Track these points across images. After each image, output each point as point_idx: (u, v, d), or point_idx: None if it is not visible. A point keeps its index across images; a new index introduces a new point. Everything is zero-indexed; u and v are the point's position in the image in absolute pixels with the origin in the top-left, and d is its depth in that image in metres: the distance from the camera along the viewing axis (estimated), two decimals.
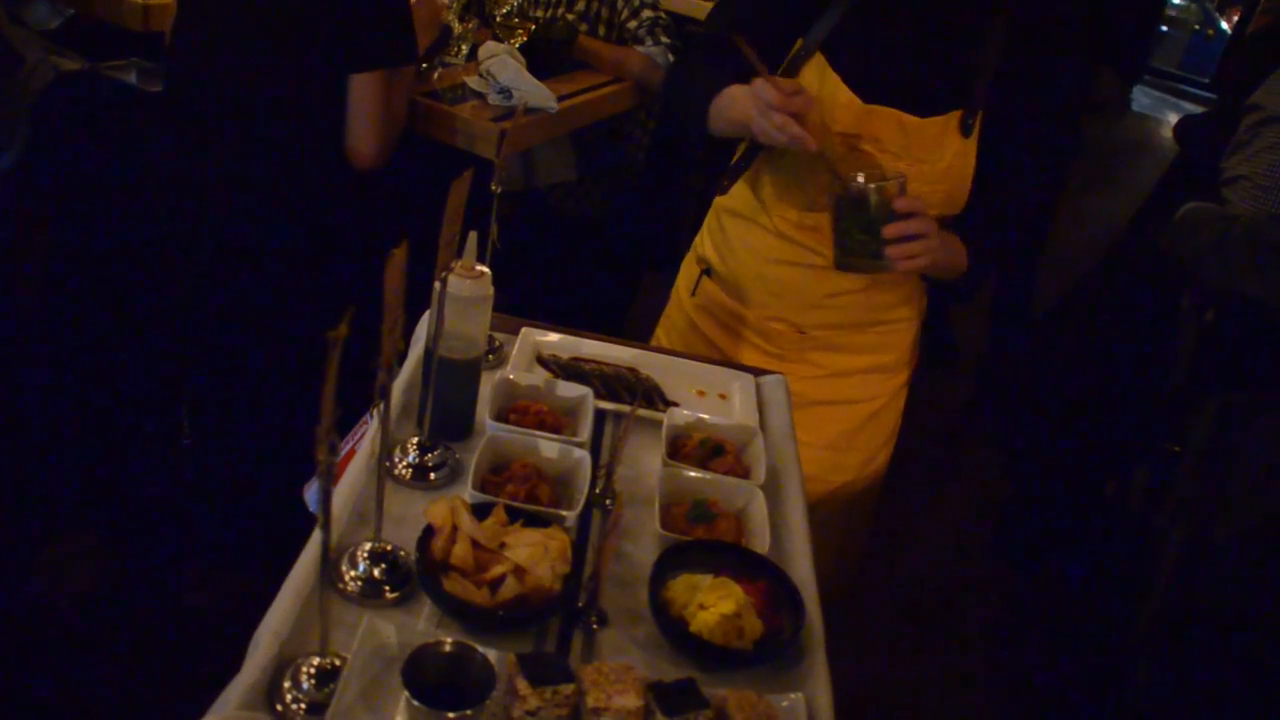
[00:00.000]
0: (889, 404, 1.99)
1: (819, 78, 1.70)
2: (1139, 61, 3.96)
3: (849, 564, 2.13)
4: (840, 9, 1.71)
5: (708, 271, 1.98)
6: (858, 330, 1.89)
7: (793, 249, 1.82)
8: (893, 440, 2.06)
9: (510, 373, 1.51)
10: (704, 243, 2.01)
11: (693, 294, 2.01)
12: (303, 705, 0.99)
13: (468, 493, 1.25)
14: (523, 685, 0.99)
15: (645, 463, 1.47)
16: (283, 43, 2.10)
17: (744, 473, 1.44)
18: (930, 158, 1.69)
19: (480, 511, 1.18)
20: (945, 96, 1.67)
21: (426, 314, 1.56)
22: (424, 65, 2.64)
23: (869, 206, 1.57)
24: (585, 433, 1.41)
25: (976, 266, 1.77)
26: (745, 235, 1.88)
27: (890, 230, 1.56)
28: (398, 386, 1.46)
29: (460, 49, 2.79)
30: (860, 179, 1.57)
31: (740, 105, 1.63)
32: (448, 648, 1.01)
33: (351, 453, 1.50)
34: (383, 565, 1.16)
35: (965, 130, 1.67)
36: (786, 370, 1.87)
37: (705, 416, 1.53)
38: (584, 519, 1.32)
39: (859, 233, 1.59)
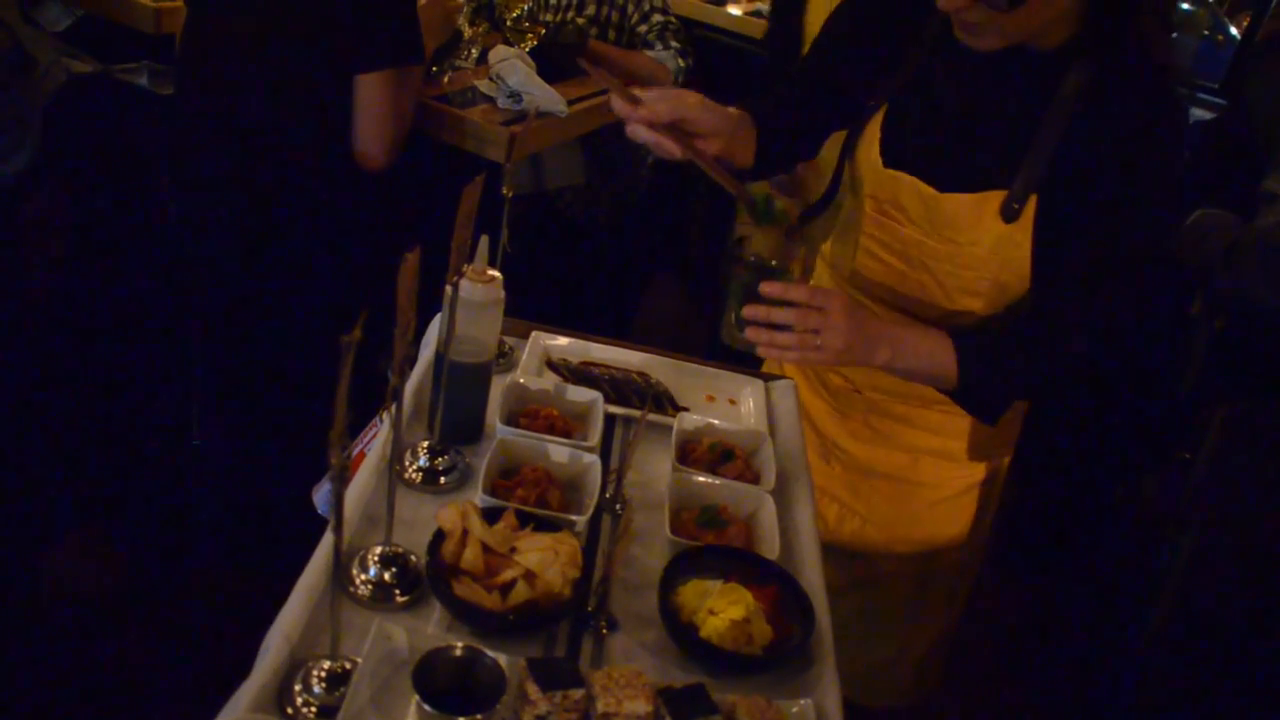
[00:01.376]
0: (958, 498, 1.79)
1: (874, 129, 1.62)
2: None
3: (906, 676, 1.94)
4: (908, 68, 1.58)
5: None
6: (919, 405, 1.72)
7: None
8: (965, 540, 1.83)
9: (520, 377, 1.51)
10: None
11: None
12: (313, 708, 1.00)
13: (478, 497, 1.25)
14: (533, 690, 0.99)
15: (655, 468, 1.47)
16: (289, 43, 2.10)
17: (753, 478, 1.44)
18: (964, 239, 1.52)
19: (490, 516, 1.18)
20: (977, 174, 1.50)
21: (437, 318, 1.56)
22: (434, 69, 2.65)
23: (741, 275, 1.43)
24: (595, 437, 1.41)
25: (978, 379, 1.50)
26: (821, 278, 1.80)
27: (748, 311, 1.40)
28: (408, 390, 1.46)
29: (470, 53, 2.79)
30: (740, 242, 1.44)
31: None
32: (458, 652, 1.01)
33: (361, 455, 1.50)
34: (393, 569, 1.16)
35: (1008, 215, 1.47)
36: (846, 428, 1.79)
37: (715, 421, 1.52)
38: (594, 524, 1.32)
39: (735, 302, 1.44)
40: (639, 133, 1.45)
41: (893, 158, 1.58)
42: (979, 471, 1.79)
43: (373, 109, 2.14)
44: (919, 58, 1.58)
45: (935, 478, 1.78)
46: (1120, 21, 1.39)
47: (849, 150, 1.68)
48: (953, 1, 1.36)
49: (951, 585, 1.89)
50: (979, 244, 1.51)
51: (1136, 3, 1.39)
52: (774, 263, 1.43)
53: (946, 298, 1.57)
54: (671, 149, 1.46)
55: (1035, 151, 1.45)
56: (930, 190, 1.53)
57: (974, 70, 1.50)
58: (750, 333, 1.41)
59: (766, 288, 1.39)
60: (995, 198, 1.48)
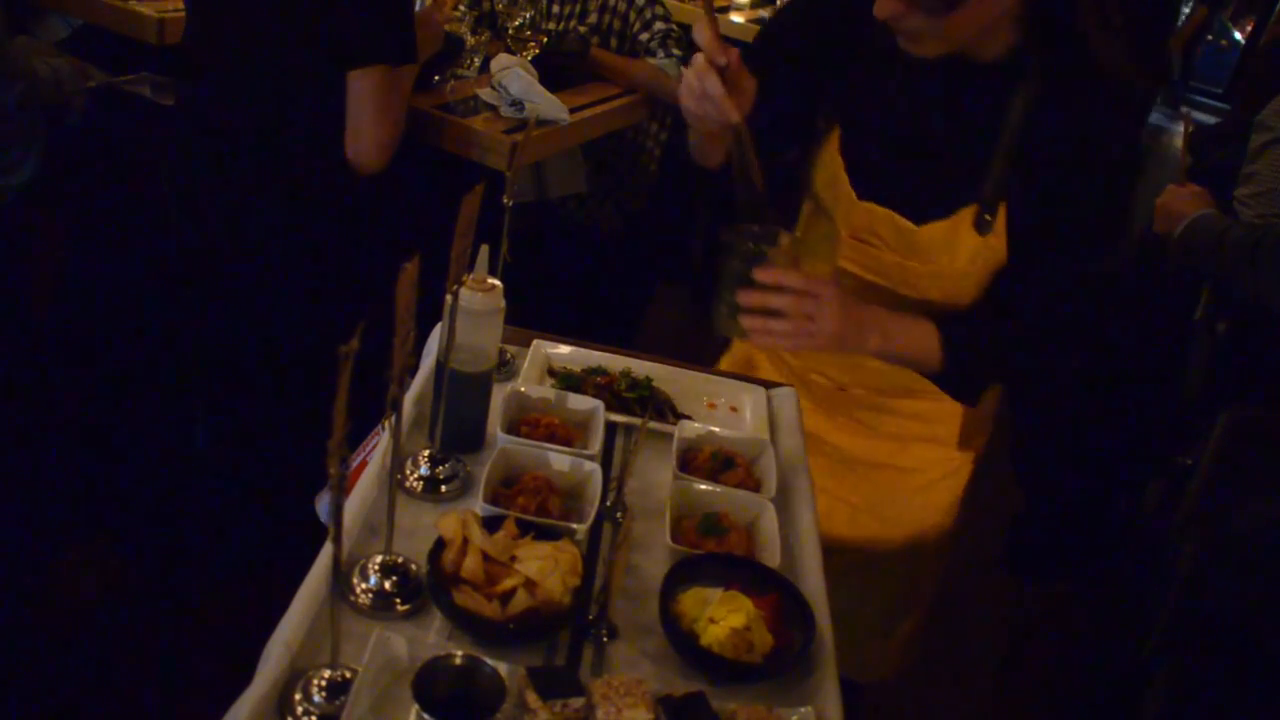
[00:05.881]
0: (942, 481, 1.82)
1: (833, 155, 1.61)
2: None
3: (893, 652, 1.98)
4: (855, 87, 1.54)
5: None
6: (905, 396, 1.74)
7: None
8: (947, 522, 1.86)
9: (521, 385, 1.52)
10: None
11: None
12: (313, 717, 1.00)
13: (479, 505, 1.25)
14: (533, 698, 0.99)
15: (656, 475, 1.47)
16: (288, 50, 2.10)
17: (755, 486, 1.44)
18: (941, 259, 1.55)
19: (491, 524, 1.19)
20: (949, 197, 1.52)
21: (438, 326, 1.56)
22: (435, 78, 2.65)
23: (734, 262, 1.39)
24: (596, 445, 1.42)
25: (961, 363, 1.55)
26: None
27: (744, 298, 1.39)
28: (409, 399, 1.47)
29: (473, 61, 2.80)
30: (735, 230, 1.39)
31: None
32: (458, 661, 1.01)
33: (363, 464, 1.50)
34: (394, 578, 1.16)
35: (981, 228, 1.50)
36: (833, 423, 1.79)
37: (716, 429, 1.52)
38: (594, 532, 1.32)
39: (727, 291, 1.41)
40: (714, 85, 1.31)
41: (864, 189, 1.58)
42: (955, 456, 1.82)
43: (362, 106, 2.12)
44: (863, 75, 1.56)
45: (922, 462, 1.81)
46: (1060, 25, 1.39)
47: (806, 171, 1.68)
48: (888, 9, 1.35)
49: (933, 566, 1.93)
50: (958, 259, 1.54)
51: (1074, 4, 1.37)
52: (768, 249, 1.40)
53: (931, 305, 1.59)
54: (730, 112, 1.33)
55: (999, 162, 1.47)
56: (909, 224, 1.55)
57: (924, 86, 1.49)
58: (745, 320, 1.41)
59: (762, 274, 1.39)
60: (968, 214, 1.51)
